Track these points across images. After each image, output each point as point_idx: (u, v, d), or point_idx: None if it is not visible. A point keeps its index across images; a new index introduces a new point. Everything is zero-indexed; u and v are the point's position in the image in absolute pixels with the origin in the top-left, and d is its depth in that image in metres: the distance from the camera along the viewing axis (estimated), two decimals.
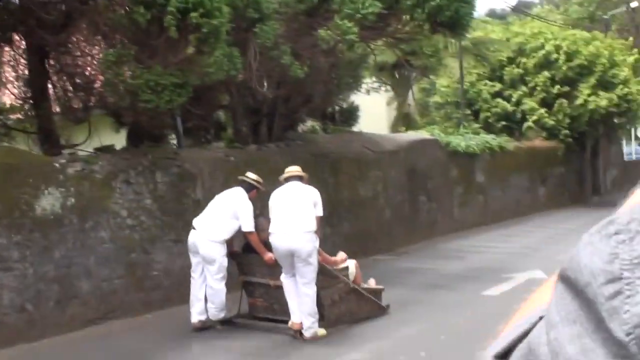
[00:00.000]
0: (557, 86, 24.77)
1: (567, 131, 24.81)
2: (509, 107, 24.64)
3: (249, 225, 8.25)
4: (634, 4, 41.30)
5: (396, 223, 15.45)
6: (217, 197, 8.74)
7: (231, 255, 8.59)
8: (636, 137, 42.04)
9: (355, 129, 15.89)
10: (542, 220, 21.11)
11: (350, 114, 15.87)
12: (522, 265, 12.58)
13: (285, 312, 8.03)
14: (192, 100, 10.46)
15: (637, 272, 0.50)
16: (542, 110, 24.40)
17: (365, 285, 9.14)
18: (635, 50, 30.24)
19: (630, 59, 27.60)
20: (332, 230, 13.35)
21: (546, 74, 24.76)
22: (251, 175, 8.98)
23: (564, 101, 24.67)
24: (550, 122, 24.40)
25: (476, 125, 22.83)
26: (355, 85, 15.22)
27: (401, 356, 7.14)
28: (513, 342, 0.58)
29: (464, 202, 19.09)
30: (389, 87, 25.13)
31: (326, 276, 8.25)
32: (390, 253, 14.72)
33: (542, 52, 24.96)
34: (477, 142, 19.70)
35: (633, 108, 26.62)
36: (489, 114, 24.69)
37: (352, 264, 8.94)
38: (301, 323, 7.81)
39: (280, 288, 8.03)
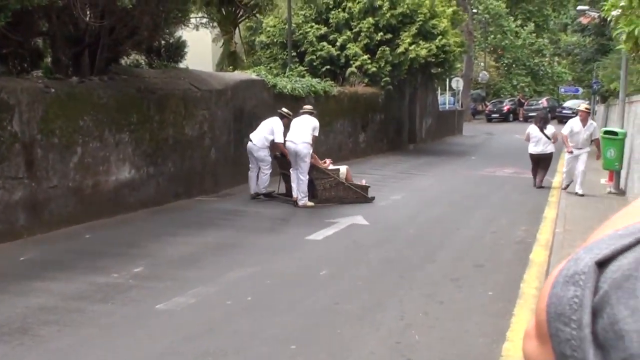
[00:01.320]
0: (381, 33, 25.60)
1: (388, 78, 25.77)
2: (334, 51, 25.20)
3: (279, 138, 13.83)
4: None
5: (222, 164, 15.49)
6: (263, 121, 14.46)
7: (274, 157, 14.44)
8: (450, 88, 44.57)
9: (181, 65, 15.63)
10: (362, 166, 21.93)
11: (177, 50, 15.56)
12: (344, 211, 13.05)
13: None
14: (8, 25, 9.90)
15: None
16: (365, 57, 25.16)
17: (356, 182, 14.58)
18: (454, 2, 31.81)
19: (449, 11, 28.93)
20: (155, 170, 13.22)
21: (370, 20, 25.47)
22: (284, 110, 14.85)
23: (387, 48, 25.59)
24: (372, 68, 25.24)
25: (301, 68, 23.16)
26: (183, 19, 14.92)
27: (228, 301, 7.18)
28: (616, 252, 0.57)
29: None
30: (215, 24, 24.82)
31: (319, 172, 14.03)
32: (215, 194, 14.80)
33: None
34: (302, 85, 20.02)
35: (450, 59, 28.12)
36: (314, 57, 25.11)
37: (343, 168, 14.79)
38: (297, 197, 13.47)
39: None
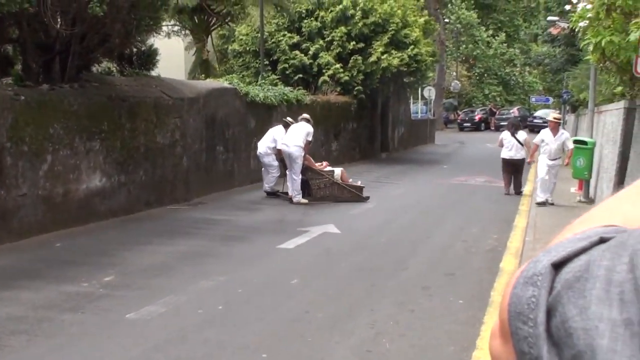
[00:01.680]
0: (353, 42, 25.74)
1: (360, 87, 25.92)
2: (306, 60, 25.26)
3: (280, 145, 15.40)
4: None
5: (193, 172, 15.46)
6: (270, 130, 16.49)
7: (280, 161, 15.94)
8: (422, 97, 44.84)
9: (153, 73, 15.59)
10: None
11: (149, 58, 15.52)
12: (316, 219, 13.09)
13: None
14: None
15: None
16: (338, 65, 25.27)
17: (351, 182, 16.32)
18: (426, 12, 32.06)
19: (421, 21, 29.15)
20: (126, 178, 13.16)
21: (343, 29, 25.61)
22: (288, 119, 16.42)
23: (359, 57, 25.72)
24: (345, 77, 25.36)
25: (274, 77, 23.19)
26: (154, 27, 14.89)
27: (199, 309, 7.16)
28: (571, 255, 0.60)
29: None
30: (188, 32, 24.80)
31: (314, 173, 15.70)
32: (187, 203, 14.76)
33: (340, 7, 25.72)
34: (274, 93, 20.05)
35: (422, 68, 28.35)
36: (286, 65, 25.17)
37: (338, 170, 16.36)
38: (292, 195, 15.23)
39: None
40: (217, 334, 6.41)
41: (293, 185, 15.14)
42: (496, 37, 66.67)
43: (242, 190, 17.37)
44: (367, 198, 15.72)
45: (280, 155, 15.62)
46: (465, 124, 56.97)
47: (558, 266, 0.60)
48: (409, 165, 26.71)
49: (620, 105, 13.24)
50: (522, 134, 17.53)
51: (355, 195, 15.63)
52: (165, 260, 9.38)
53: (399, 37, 26.49)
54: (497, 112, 59.37)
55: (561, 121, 15.59)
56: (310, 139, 15.39)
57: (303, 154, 15.12)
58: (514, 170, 17.53)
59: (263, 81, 21.34)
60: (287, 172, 15.41)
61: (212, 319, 6.89)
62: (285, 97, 20.64)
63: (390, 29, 26.20)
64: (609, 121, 15.23)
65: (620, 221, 0.64)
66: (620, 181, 12.34)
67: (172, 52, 23.67)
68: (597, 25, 7.94)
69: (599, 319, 0.54)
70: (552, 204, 14.57)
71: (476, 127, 56.21)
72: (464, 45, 66.08)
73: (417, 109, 45.72)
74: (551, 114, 16.41)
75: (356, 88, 25.81)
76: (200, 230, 11.86)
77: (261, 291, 8.00)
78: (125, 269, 8.83)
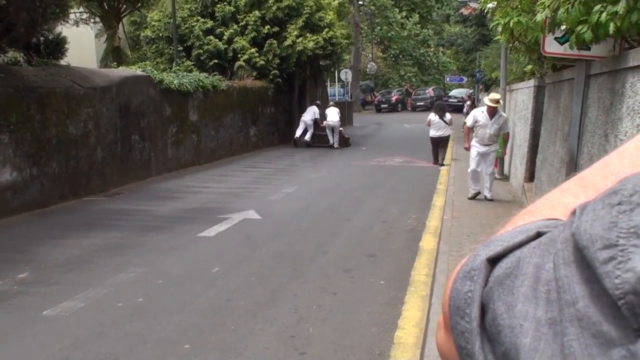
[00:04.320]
0: (268, 26, 25.61)
1: (276, 71, 25.86)
2: (221, 45, 25.03)
3: (318, 116, 27.14)
4: None
5: (109, 163, 15.15)
6: (309, 108, 27.76)
7: (316, 124, 27.25)
8: (339, 79, 45.02)
9: (62, 62, 15.14)
10: (254, 160, 22.01)
11: (57, 46, 15.05)
12: (236, 206, 13.02)
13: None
14: None
15: (632, 241, 0.52)
16: (253, 50, 25.13)
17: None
18: None
19: (335, 3, 29.22)
20: (39, 171, 12.81)
21: (257, 13, 25.44)
22: (317, 102, 28.76)
23: (274, 41, 25.62)
24: (260, 61, 25.25)
25: (189, 63, 22.89)
26: (62, 15, 14.46)
27: (118, 303, 7.04)
28: (507, 250, 0.60)
29: (178, 141, 19.21)
30: (97, 20, 24.17)
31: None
32: (103, 194, 14.47)
33: None
34: (190, 80, 19.79)
35: (337, 51, 28.47)
36: (201, 51, 24.88)
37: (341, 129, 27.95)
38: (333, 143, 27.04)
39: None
40: (138, 327, 6.30)
41: (334, 139, 27.21)
42: (410, 19, 67.47)
43: (160, 179, 17.14)
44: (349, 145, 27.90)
45: (320, 122, 27.20)
46: (382, 105, 57.50)
47: (494, 261, 0.61)
48: (328, 148, 26.83)
49: (530, 84, 13.58)
50: (447, 116, 20.10)
51: (345, 142, 27.85)
52: (82, 254, 9.16)
53: (314, 20, 26.51)
54: (413, 93, 60.26)
55: (500, 103, 13.15)
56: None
57: (339, 123, 27.41)
58: (441, 145, 20.26)
59: (177, 68, 21.05)
60: (329, 132, 27.24)
61: (132, 312, 6.77)
62: (201, 84, 20.41)
63: (305, 12, 26.20)
64: (520, 99, 15.62)
65: (562, 214, 0.64)
66: (532, 157, 12.68)
67: (82, 41, 23.11)
68: (505, 6, 8.09)
69: (524, 318, 0.54)
70: (492, 200, 12.94)
71: (393, 108, 56.84)
72: (378, 27, 66.62)
73: (334, 91, 45.93)
74: (487, 97, 13.55)
75: (272, 72, 25.75)
76: (118, 222, 11.62)
77: (182, 281, 7.91)
78: (40, 265, 8.59)
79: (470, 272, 0.61)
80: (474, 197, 13.00)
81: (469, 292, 0.60)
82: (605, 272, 0.51)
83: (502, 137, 13.51)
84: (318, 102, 28.76)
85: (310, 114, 27.41)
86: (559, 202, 0.67)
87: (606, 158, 0.63)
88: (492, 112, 12.81)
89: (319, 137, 27.47)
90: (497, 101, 12.85)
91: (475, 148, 13.01)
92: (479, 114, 13.05)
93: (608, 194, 0.56)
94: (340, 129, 27.97)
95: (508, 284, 0.57)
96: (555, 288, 0.54)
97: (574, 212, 0.58)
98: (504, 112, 17.25)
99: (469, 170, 13.17)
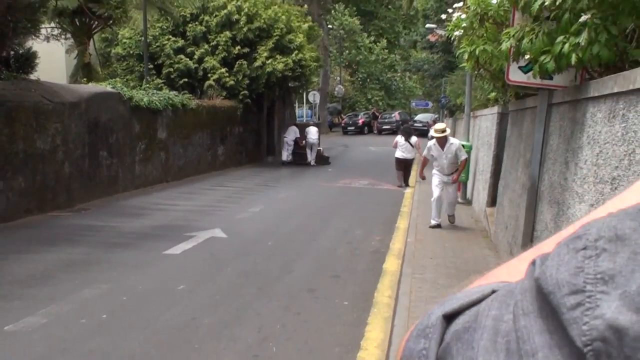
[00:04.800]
0: (238, 47, 25.70)
1: (246, 92, 25.90)
2: (192, 64, 25.02)
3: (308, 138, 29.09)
4: None
5: (76, 178, 15.00)
6: (289, 128, 29.96)
7: (296, 144, 29.25)
8: (307, 101, 45.15)
9: (32, 77, 14.98)
10: (221, 179, 21.92)
11: (27, 61, 14.89)
12: (202, 224, 12.93)
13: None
14: None
15: (599, 287, 0.51)
16: (223, 70, 25.16)
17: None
18: (309, 17, 32.32)
19: (305, 26, 29.41)
20: (5, 184, 12.63)
21: (228, 33, 25.54)
22: (296, 123, 34.64)
23: (244, 62, 25.68)
24: (230, 82, 25.27)
25: (159, 81, 22.82)
26: (32, 30, 14.34)
27: (82, 319, 6.91)
28: (463, 307, 0.60)
29: (146, 159, 19.08)
30: (69, 35, 24.01)
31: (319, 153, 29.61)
32: (69, 209, 14.30)
33: (225, 11, 25.66)
34: (159, 97, 19.72)
35: (306, 73, 28.63)
36: (171, 69, 24.86)
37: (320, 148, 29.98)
38: (309, 161, 28.83)
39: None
40: (101, 344, 6.22)
41: (312, 156, 28.78)
42: (378, 43, 68.01)
43: (127, 195, 16.99)
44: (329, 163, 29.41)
45: (300, 141, 29.08)
46: (349, 128, 57.71)
47: (450, 318, 0.60)
48: (295, 168, 26.84)
49: (494, 111, 13.73)
50: (413, 139, 20.66)
51: (323, 160, 29.43)
52: (46, 269, 9.02)
53: (284, 42, 26.65)
54: (380, 116, 60.56)
55: (446, 131, 12.81)
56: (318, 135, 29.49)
57: (318, 142, 29.30)
58: (405, 167, 20.80)
59: (147, 85, 20.96)
60: (308, 150, 28.83)
61: (96, 328, 6.68)
62: (171, 102, 20.35)
63: (275, 34, 26.35)
64: (484, 125, 15.78)
65: (518, 279, 0.63)
66: (494, 183, 12.80)
67: (52, 56, 22.91)
68: (471, 35, 8.19)
69: None
70: (453, 223, 12.91)
71: (360, 131, 57.09)
72: (347, 51, 67.05)
73: (302, 113, 46.07)
74: (433, 129, 13.34)
75: (242, 92, 25.77)
76: (83, 238, 11.48)
77: (147, 298, 7.82)
78: (2, 279, 8.44)
79: (424, 330, 0.61)
80: (436, 227, 12.52)
81: (423, 350, 0.60)
82: (573, 319, 0.51)
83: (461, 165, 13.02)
84: (296, 123, 32.58)
85: (292, 134, 29.20)
86: (516, 269, 0.66)
87: (563, 231, 0.62)
88: (442, 142, 12.54)
89: (299, 155, 29.08)
90: (443, 130, 12.63)
91: (437, 176, 12.70)
92: (431, 146, 12.70)
93: (572, 239, 0.56)
94: (319, 147, 29.67)
95: (467, 338, 0.57)
96: (515, 339, 0.54)
97: (533, 262, 0.58)
98: (469, 138, 17.42)
99: (432, 200, 12.71)
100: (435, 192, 12.61)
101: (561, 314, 0.52)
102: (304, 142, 29.02)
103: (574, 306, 0.52)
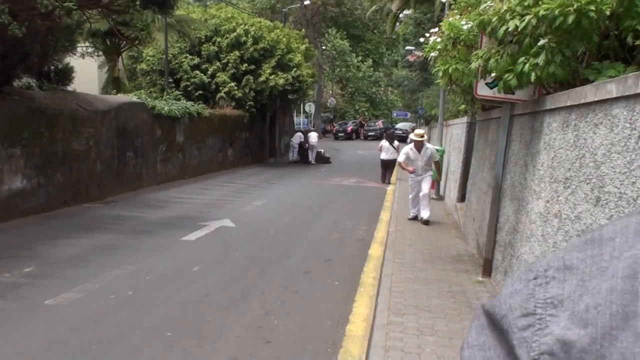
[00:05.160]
0: (245, 64, 25.63)
1: (252, 102, 25.84)
2: (206, 79, 24.95)
3: (310, 141, 30.31)
4: (306, 2, 43.87)
5: (106, 175, 14.96)
6: (296, 134, 31.21)
7: (300, 146, 30.27)
8: (304, 111, 45.08)
9: (69, 88, 14.93)
10: (230, 177, 21.86)
11: (65, 74, 14.84)
12: (214, 215, 12.90)
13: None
14: None
15: (549, 310, 0.51)
16: (232, 84, 25.09)
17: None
18: (306, 40, 32.30)
19: (302, 47, 29.38)
20: (46, 180, 12.58)
21: (237, 53, 25.46)
22: (302, 128, 37.08)
23: (250, 77, 25.61)
24: (238, 94, 25.21)
25: (177, 93, 22.75)
26: (70, 48, 14.28)
27: (111, 295, 6.90)
28: None
29: (166, 159, 19.03)
30: (101, 53, 23.94)
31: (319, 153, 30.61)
32: (100, 202, 14.26)
33: (234, 34, 25.59)
34: (178, 107, 19.67)
35: (303, 87, 28.54)
36: (188, 83, 24.77)
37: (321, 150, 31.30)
38: (310, 160, 29.74)
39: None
40: (127, 316, 6.20)
41: (312, 156, 29.63)
42: (364, 62, 67.96)
43: (150, 190, 16.95)
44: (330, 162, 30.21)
45: (303, 144, 29.92)
46: (339, 134, 57.64)
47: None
48: (293, 168, 26.81)
49: (463, 120, 13.73)
50: (396, 142, 20.99)
51: (323, 159, 30.22)
52: (80, 252, 9.00)
53: (284, 60, 26.61)
54: (366, 124, 60.59)
55: (424, 137, 12.57)
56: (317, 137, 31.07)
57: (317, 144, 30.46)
58: (388, 167, 21.03)
59: (168, 96, 20.91)
60: (309, 151, 29.63)
61: (123, 303, 6.66)
62: (187, 110, 20.30)
63: (277, 53, 26.31)
64: (455, 133, 15.78)
65: None
66: (464, 182, 12.81)
67: (86, 70, 22.82)
68: (445, 55, 8.17)
69: None
70: (427, 222, 12.07)
71: (348, 137, 57.03)
72: (338, 69, 66.96)
73: (300, 121, 46.00)
74: (414, 132, 12.91)
75: (248, 103, 25.72)
76: (112, 226, 11.44)
77: (166, 278, 7.80)
78: (44, 261, 8.41)
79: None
80: (414, 218, 12.50)
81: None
82: (523, 338, 0.51)
83: (435, 166, 13.06)
84: (302, 128, 33.84)
85: (297, 138, 30.51)
86: None
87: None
88: (419, 146, 12.34)
89: (302, 156, 30.29)
90: (422, 135, 12.46)
91: (413, 179, 12.54)
92: (408, 150, 12.42)
93: (524, 271, 0.56)
94: (320, 150, 30.79)
95: None
96: None
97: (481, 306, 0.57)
98: (442, 143, 17.43)
99: (409, 197, 12.66)
100: (411, 191, 12.55)
101: (512, 334, 0.52)
102: (307, 145, 29.89)
103: (525, 327, 0.51)
